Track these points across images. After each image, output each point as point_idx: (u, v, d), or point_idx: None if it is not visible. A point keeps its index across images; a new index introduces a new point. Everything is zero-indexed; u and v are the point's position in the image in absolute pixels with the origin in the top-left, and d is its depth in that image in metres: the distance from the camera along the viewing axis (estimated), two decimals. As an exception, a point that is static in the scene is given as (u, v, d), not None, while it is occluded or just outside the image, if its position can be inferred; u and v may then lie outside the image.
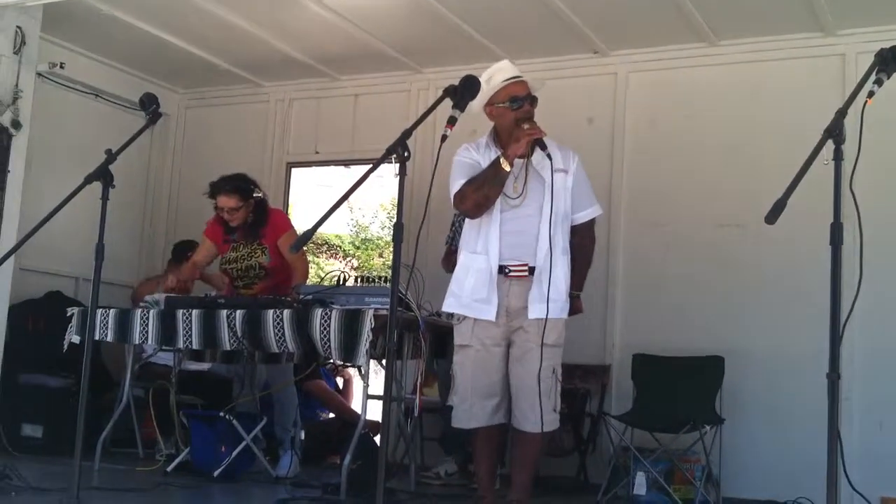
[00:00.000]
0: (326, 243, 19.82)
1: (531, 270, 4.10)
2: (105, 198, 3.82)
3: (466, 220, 4.25)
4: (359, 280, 5.21)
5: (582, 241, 4.34)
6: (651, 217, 6.23)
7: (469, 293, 4.13)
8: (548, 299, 4.03)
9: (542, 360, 4.04)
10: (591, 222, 4.38)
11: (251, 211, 5.71)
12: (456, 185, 4.09)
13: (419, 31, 6.29)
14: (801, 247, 5.30)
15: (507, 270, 4.10)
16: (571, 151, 4.23)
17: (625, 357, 5.98)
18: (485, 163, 4.11)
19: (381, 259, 19.26)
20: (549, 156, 4.08)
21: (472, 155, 4.17)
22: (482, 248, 4.13)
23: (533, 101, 4.18)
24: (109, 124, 7.10)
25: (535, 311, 4.08)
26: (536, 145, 4.07)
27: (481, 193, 4.04)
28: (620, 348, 6.13)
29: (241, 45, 6.79)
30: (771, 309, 5.75)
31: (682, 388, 5.60)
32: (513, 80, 4.16)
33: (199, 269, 5.99)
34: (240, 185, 5.67)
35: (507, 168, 3.98)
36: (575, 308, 4.33)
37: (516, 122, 4.08)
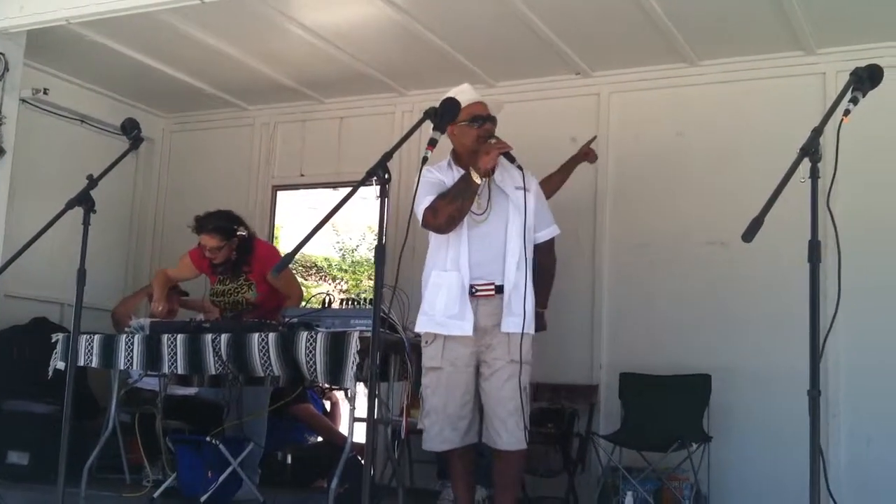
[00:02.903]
0: (315, 265, 19.79)
1: (498, 289, 4.15)
2: (86, 223, 3.83)
3: (432, 240, 4.31)
4: (344, 302, 5.20)
5: (544, 259, 4.44)
6: (636, 236, 6.25)
7: (442, 310, 4.17)
8: (524, 313, 4.08)
9: (520, 375, 4.10)
10: (552, 242, 4.48)
11: (234, 249, 5.69)
12: (424, 202, 4.14)
13: (403, 54, 6.32)
14: (787, 264, 5.28)
15: (474, 290, 4.15)
16: (529, 172, 4.29)
17: (612, 376, 5.99)
18: (449, 182, 4.20)
19: (370, 281, 19.23)
20: (519, 167, 4.19)
21: (435, 174, 4.26)
22: (452, 264, 4.18)
23: (493, 121, 4.29)
24: (94, 150, 7.09)
25: (510, 325, 4.12)
26: (505, 158, 4.17)
27: (454, 206, 4.10)
28: (608, 367, 6.12)
29: (225, 70, 6.80)
30: (757, 326, 5.75)
31: (670, 407, 5.60)
32: (473, 102, 4.26)
33: (172, 282, 5.96)
34: (222, 224, 5.63)
35: (478, 181, 4.07)
36: (540, 325, 4.40)
37: (478, 139, 4.19)
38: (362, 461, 5.62)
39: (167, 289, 5.95)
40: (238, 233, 5.68)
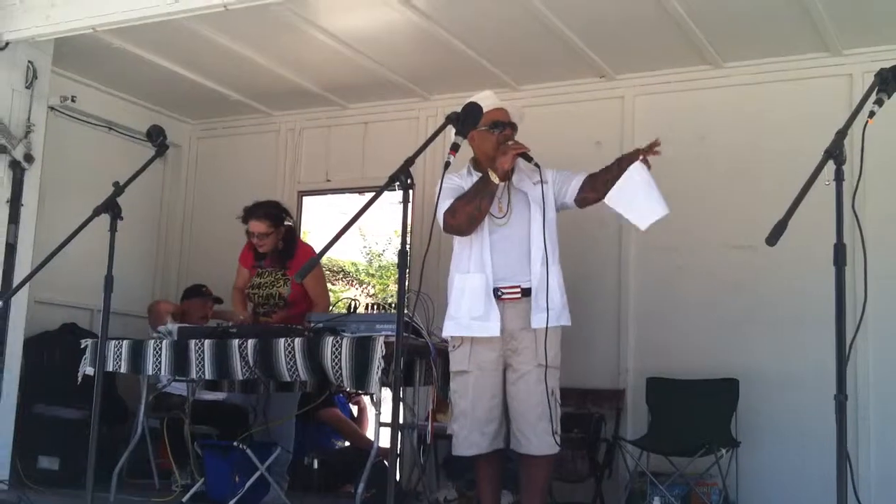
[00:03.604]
0: (342, 270, 19.84)
1: (524, 292, 4.15)
2: (113, 230, 3.87)
3: (456, 243, 4.31)
4: (370, 307, 5.21)
5: (602, 175, 4.32)
6: (662, 240, 6.18)
7: (466, 313, 4.17)
8: (547, 307, 4.07)
9: (545, 376, 4.06)
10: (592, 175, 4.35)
11: (281, 238, 5.77)
12: (443, 205, 4.15)
13: (426, 58, 6.32)
14: (814, 267, 5.19)
15: (500, 293, 4.15)
16: (543, 167, 4.27)
17: (639, 381, 5.96)
18: (468, 187, 4.19)
19: (397, 285, 19.20)
20: (536, 165, 4.19)
21: (455, 181, 4.29)
22: (476, 266, 4.19)
23: (513, 127, 4.30)
24: (122, 156, 7.12)
25: (536, 321, 4.11)
26: (522, 159, 4.18)
27: (473, 206, 4.11)
28: (634, 372, 6.08)
29: (250, 76, 6.84)
30: (785, 330, 5.70)
31: (697, 412, 5.57)
32: (494, 108, 4.27)
33: (243, 293, 6.01)
34: (271, 211, 5.77)
35: (496, 180, 4.06)
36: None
37: (497, 145, 4.20)
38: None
39: (243, 297, 6.00)
40: (286, 222, 5.76)
